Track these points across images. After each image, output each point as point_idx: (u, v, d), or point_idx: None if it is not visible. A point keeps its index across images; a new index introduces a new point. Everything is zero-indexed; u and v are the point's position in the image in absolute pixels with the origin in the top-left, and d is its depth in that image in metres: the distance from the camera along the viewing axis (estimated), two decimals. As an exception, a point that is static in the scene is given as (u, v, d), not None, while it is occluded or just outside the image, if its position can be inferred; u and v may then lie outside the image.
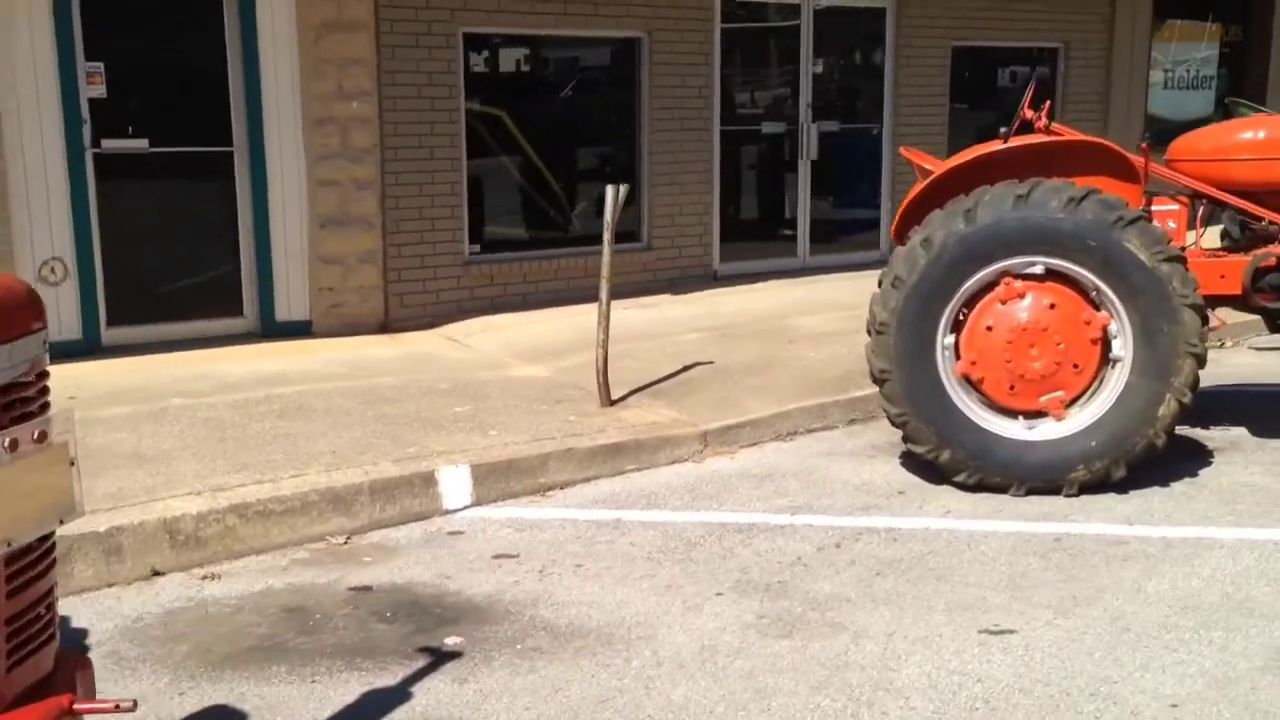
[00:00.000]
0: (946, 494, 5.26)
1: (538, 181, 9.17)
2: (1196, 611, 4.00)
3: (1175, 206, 5.70)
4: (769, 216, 10.56)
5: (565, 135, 9.31)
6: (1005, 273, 5.18)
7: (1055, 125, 5.72)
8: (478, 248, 8.60)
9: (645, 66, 9.17)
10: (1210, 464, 5.61)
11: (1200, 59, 13.70)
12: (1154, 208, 5.70)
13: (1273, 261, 5.36)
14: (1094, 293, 5.12)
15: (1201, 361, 5.03)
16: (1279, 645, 3.72)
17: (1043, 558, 4.51)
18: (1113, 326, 5.11)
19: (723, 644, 3.83)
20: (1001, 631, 3.88)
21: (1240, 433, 6.11)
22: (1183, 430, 6.15)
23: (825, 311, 8.71)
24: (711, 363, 7.28)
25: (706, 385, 6.78)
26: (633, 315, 8.81)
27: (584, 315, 8.81)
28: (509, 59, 9.25)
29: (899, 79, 10.62)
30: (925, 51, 10.75)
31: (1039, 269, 5.14)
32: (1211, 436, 6.06)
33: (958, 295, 5.19)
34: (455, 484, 5.14)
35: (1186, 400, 5.03)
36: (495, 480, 5.28)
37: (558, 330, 8.12)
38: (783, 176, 10.33)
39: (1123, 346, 5.10)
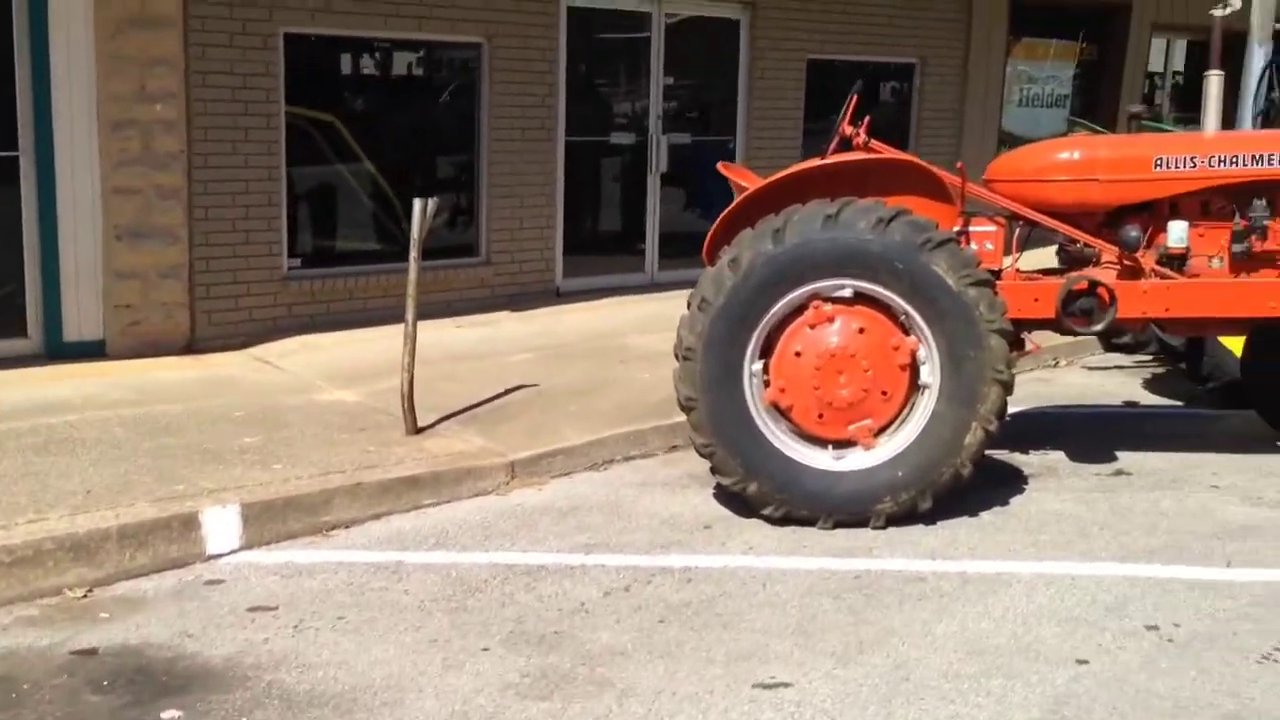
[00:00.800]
0: (754, 528, 5.02)
1: (370, 192, 8.74)
2: (982, 656, 3.80)
3: (993, 228, 5.56)
4: (617, 230, 10.27)
5: (401, 144, 8.90)
6: (815, 295, 4.97)
7: (874, 143, 5.54)
8: (298, 262, 8.13)
9: (485, 74, 8.81)
10: (1023, 491, 5.47)
11: (1056, 77, 13.86)
12: (972, 229, 5.57)
13: (1084, 285, 5.24)
14: (903, 317, 4.93)
15: (1008, 388, 4.87)
16: (1058, 694, 3.54)
17: (837, 598, 4.28)
18: (921, 352, 4.93)
19: (475, 709, 3.49)
20: (776, 685, 3.62)
21: (1058, 457, 6.00)
22: (1001, 455, 6.05)
23: (666, 329, 8.29)
24: (536, 385, 6.95)
25: (525, 410, 6.45)
26: (464, 334, 8.45)
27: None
28: (342, 62, 8.82)
29: (752, 91, 10.44)
30: (780, 64, 10.59)
31: (848, 292, 4.95)
32: (1029, 461, 5.93)
33: (766, 319, 4.96)
34: (221, 526, 4.71)
35: (993, 428, 4.86)
36: (270, 520, 4.87)
37: (382, 350, 7.68)
38: (631, 189, 10.05)
39: (930, 373, 4.92)
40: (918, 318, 4.87)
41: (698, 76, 10.51)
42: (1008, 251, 5.68)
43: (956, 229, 5.53)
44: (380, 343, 7.91)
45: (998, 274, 5.56)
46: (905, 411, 5.01)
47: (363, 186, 8.73)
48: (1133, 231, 5.28)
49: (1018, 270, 5.67)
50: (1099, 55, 14.26)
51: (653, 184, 10.01)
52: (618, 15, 9.76)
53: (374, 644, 3.92)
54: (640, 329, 8.41)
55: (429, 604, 4.25)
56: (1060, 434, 6.48)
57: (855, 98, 5.56)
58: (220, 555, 4.66)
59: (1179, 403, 7.23)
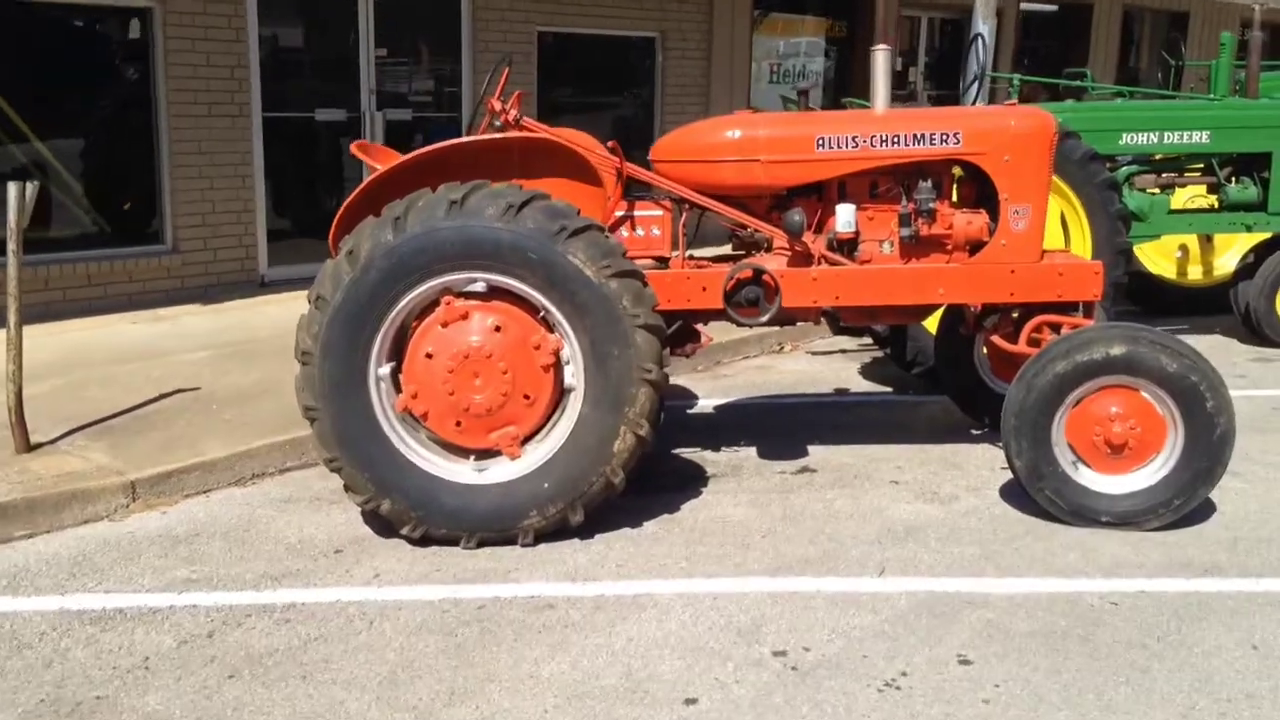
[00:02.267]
0: (391, 551, 4.49)
1: (24, 174, 7.79)
2: (583, 702, 3.38)
3: (659, 212, 5.17)
4: (330, 214, 9.52)
5: (62, 120, 7.97)
6: (447, 290, 4.46)
7: (526, 120, 5.06)
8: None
9: (159, 41, 7.97)
10: (699, 495, 5.12)
11: (807, 54, 13.80)
12: (636, 213, 5.17)
13: (749, 273, 4.90)
14: (544, 313, 4.48)
15: (658, 388, 4.46)
16: (651, 748, 3.16)
17: (448, 635, 3.79)
18: (566, 351, 4.50)
19: (-58, 812, 2.87)
20: (332, 756, 3.12)
21: (748, 454, 5.70)
22: (690, 453, 5.71)
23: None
24: (198, 389, 6.25)
25: (173, 419, 5.75)
26: (138, 331, 7.63)
27: (79, 332, 7.59)
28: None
29: (478, 65, 9.88)
30: (506, 36, 10.06)
31: (482, 286, 4.46)
32: (717, 460, 5.61)
33: (391, 317, 4.41)
34: None
35: (644, 433, 4.46)
36: None
37: (30, 351, 6.81)
38: (346, 169, 9.37)
39: (575, 374, 4.49)
40: (557, 313, 4.42)
41: (417, 48, 9.88)
42: (688, 238, 5.33)
43: (620, 213, 5.15)
44: (28, 342, 7.02)
45: (666, 261, 5.20)
46: (554, 417, 4.57)
47: (11, 168, 7.76)
48: (795, 216, 4.96)
49: (690, 258, 5.31)
50: (849, 32, 14.28)
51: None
52: (320, -20, 9.05)
53: None
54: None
55: (-48, 671, 3.57)
56: (759, 427, 6.20)
57: (506, 70, 5.07)
58: None
59: (889, 389, 7.08)
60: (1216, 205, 7.84)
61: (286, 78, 8.92)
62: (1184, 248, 8.96)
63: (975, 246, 5.08)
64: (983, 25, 10.15)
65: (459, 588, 4.16)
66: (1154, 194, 7.70)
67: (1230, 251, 8.69)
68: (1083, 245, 6.80)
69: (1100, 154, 7.55)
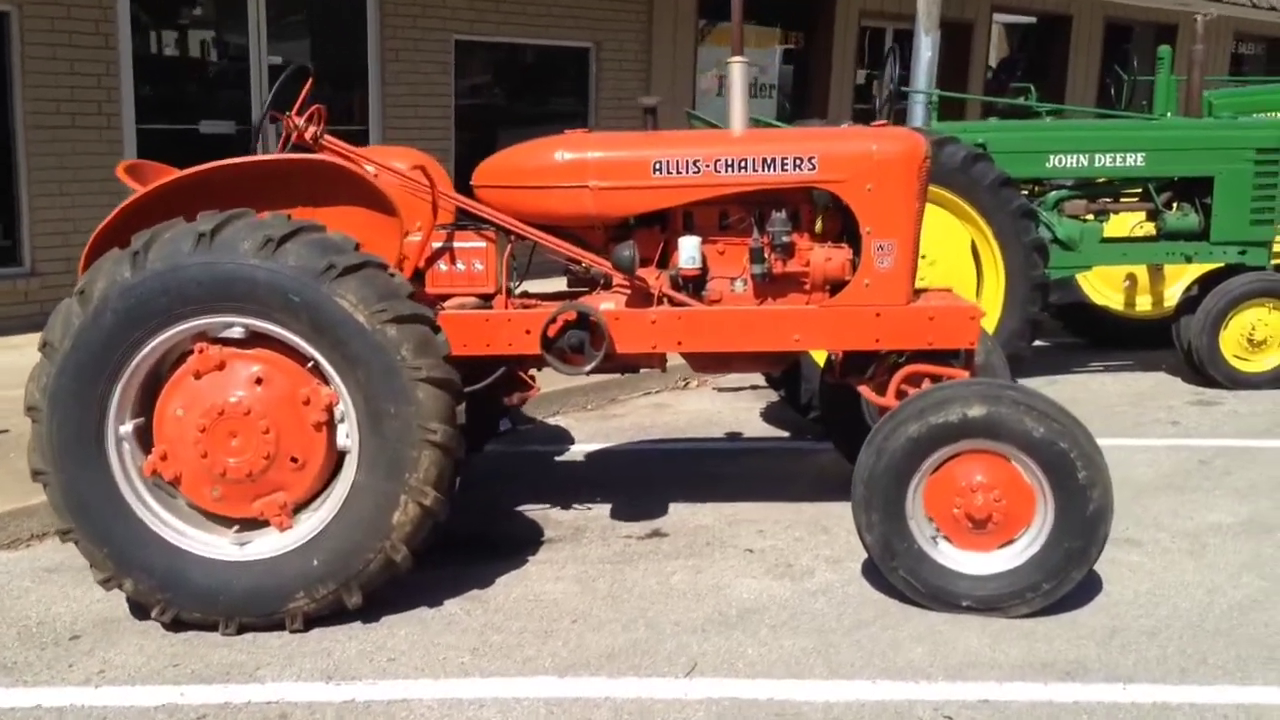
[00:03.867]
0: (137, 637, 3.88)
1: None
2: None
3: (482, 244, 4.58)
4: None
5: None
6: (202, 335, 3.87)
7: (328, 139, 4.47)
8: None
9: (15, 47, 7.42)
10: (524, 564, 4.51)
11: (758, 66, 13.19)
12: (457, 245, 4.58)
13: (574, 315, 4.30)
14: (312, 363, 3.89)
15: (447, 450, 3.86)
16: None
17: (143, 756, 3.21)
18: (341, 407, 3.90)
19: None
20: None
21: (600, 513, 5.08)
22: (536, 510, 5.12)
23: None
24: (6, 431, 5.67)
25: (-41, 467, 5.17)
26: (-23, 362, 7.05)
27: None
28: None
29: (386, 74, 9.31)
30: (419, 45, 9.50)
31: (241, 331, 3.87)
32: (561, 521, 5.00)
33: (133, 366, 3.80)
34: None
35: (429, 502, 3.85)
36: None
37: None
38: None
39: (349, 433, 3.90)
40: (327, 364, 3.82)
41: (315, 55, 9.31)
42: (519, 273, 4.75)
43: (438, 245, 4.56)
44: None
45: (490, 299, 4.61)
46: (331, 483, 3.98)
47: None
48: (625, 251, 4.35)
49: (524, 295, 4.72)
50: (806, 44, 13.70)
51: (261, 179, 8.75)
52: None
53: None
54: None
55: None
56: (626, 479, 5.60)
57: (309, 81, 4.49)
58: None
59: (786, 434, 6.47)
60: (1155, 233, 7.22)
61: (165, 87, 8.36)
62: (1131, 277, 8.34)
63: (837, 286, 4.48)
64: (924, 37, 9.55)
65: (188, 689, 3.55)
66: (1087, 221, 7.08)
67: (1181, 281, 8.06)
68: (996, 278, 6.20)
69: (1017, 178, 6.99)
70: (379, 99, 9.26)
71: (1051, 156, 6.86)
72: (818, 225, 4.58)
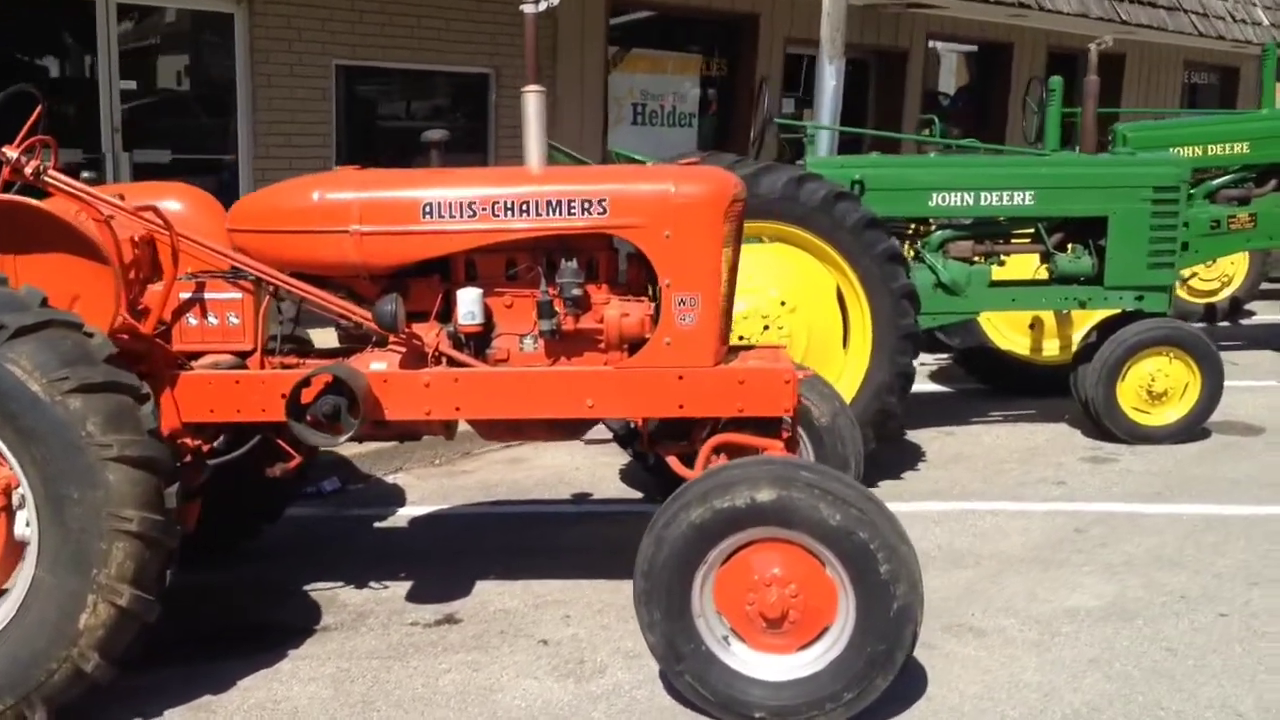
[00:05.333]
0: None
1: None
2: None
3: (238, 295, 4.04)
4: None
5: None
6: None
7: (54, 174, 3.91)
8: None
9: None
10: (284, 658, 3.95)
11: (678, 93, 12.75)
12: (209, 296, 4.05)
13: (328, 378, 3.77)
14: (-10, 440, 3.35)
15: (149, 541, 3.30)
16: None
17: None
18: (20, 491, 3.35)
19: None
20: None
21: (396, 592, 4.52)
22: (328, 588, 4.61)
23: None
24: None
25: None
26: None
27: None
28: None
29: (257, 101, 8.78)
30: (294, 70, 8.96)
31: (-95, 403, 3.32)
32: (350, 601, 4.45)
33: None
34: None
35: (125, 602, 3.27)
36: None
37: None
38: (85, 218, 8.23)
39: (29, 521, 3.35)
40: None
41: (177, 79, 8.78)
42: (283, 327, 4.21)
43: (187, 296, 4.02)
44: None
45: (246, 357, 4.08)
46: (11, 579, 3.42)
47: None
48: (387, 305, 3.81)
49: (290, 351, 4.18)
50: (730, 71, 13.26)
51: (115, 212, 8.20)
52: None
53: None
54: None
55: None
56: (444, 550, 5.07)
57: (39, 109, 3.95)
58: None
59: (640, 495, 5.93)
60: (1048, 277, 6.74)
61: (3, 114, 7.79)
62: (1037, 320, 7.86)
63: (637, 345, 3.96)
64: (829, 65, 9.12)
65: None
66: (975, 263, 6.59)
67: (1089, 326, 7.59)
68: (863, 327, 5.70)
69: (898, 218, 6.54)
70: (249, 126, 8.72)
71: (934, 194, 6.37)
72: (621, 275, 4.09)
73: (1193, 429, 6.67)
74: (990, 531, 5.26)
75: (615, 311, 3.93)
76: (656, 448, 4.24)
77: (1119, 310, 6.68)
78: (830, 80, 9.01)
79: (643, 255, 3.91)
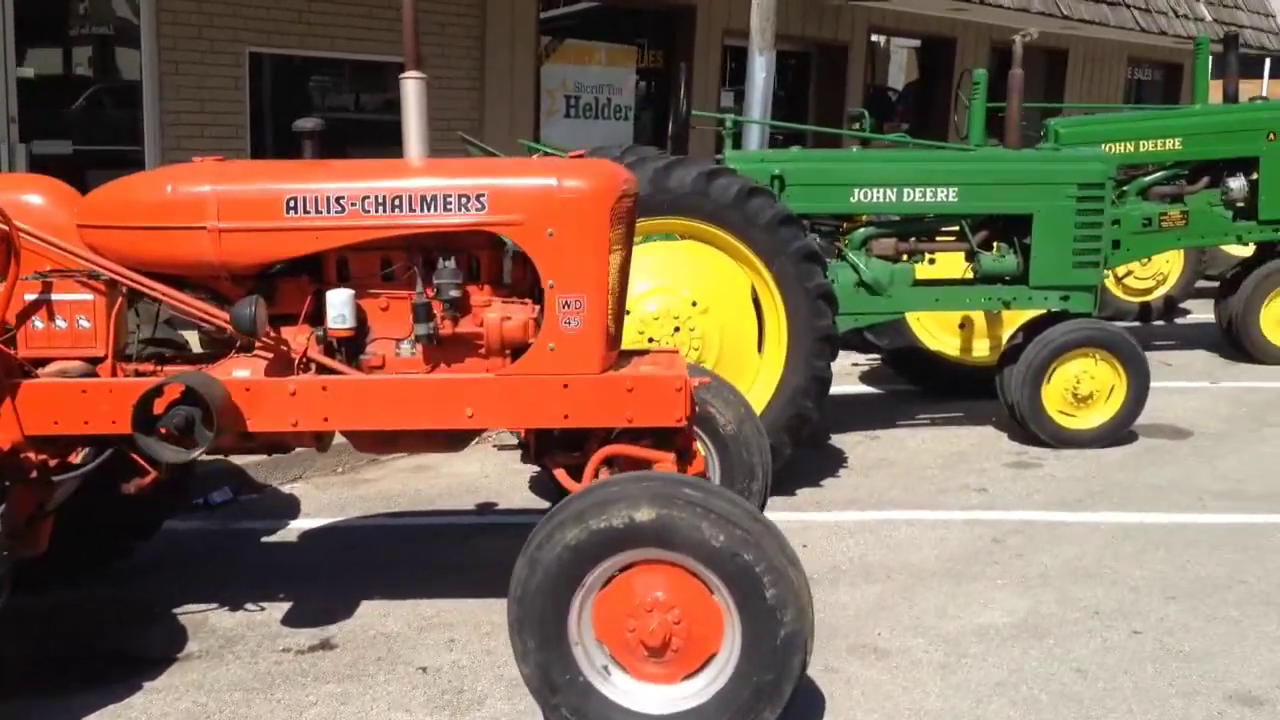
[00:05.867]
0: None
1: None
2: None
3: (89, 296, 3.75)
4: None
5: None
6: None
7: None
8: None
9: None
10: (126, 697, 3.64)
11: (612, 85, 12.49)
12: (55, 296, 3.74)
13: (179, 389, 3.49)
14: None
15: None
16: None
17: None
18: None
19: None
20: None
21: (273, 614, 4.22)
22: (193, 612, 4.27)
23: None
24: None
25: None
26: None
27: None
28: None
29: (164, 90, 8.42)
30: (205, 57, 8.61)
31: None
32: (221, 625, 4.15)
33: None
34: None
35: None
36: None
37: None
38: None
39: None
40: None
41: (79, 66, 8.40)
42: (142, 330, 3.92)
43: (33, 297, 3.70)
44: None
45: (98, 364, 3.78)
46: None
47: None
48: (245, 308, 3.51)
49: (151, 357, 3.90)
50: (665, 63, 13.03)
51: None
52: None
53: None
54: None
55: None
56: (332, 566, 4.79)
57: None
58: None
59: (548, 505, 5.69)
60: (972, 276, 6.56)
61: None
62: (968, 320, 7.70)
63: (520, 351, 3.72)
64: (759, 58, 8.90)
65: None
66: (899, 262, 6.40)
67: (1017, 327, 7.42)
68: (778, 329, 5.48)
69: (820, 214, 6.34)
70: (155, 116, 8.34)
71: (856, 190, 6.17)
72: (507, 276, 3.84)
73: (1119, 432, 6.54)
74: (905, 543, 5.06)
75: (496, 315, 3.68)
76: (544, 459, 4.00)
77: (1045, 310, 6.53)
78: (760, 73, 8.79)
79: (526, 255, 3.67)
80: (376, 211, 3.59)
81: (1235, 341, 8.99)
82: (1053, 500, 5.66)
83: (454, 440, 3.97)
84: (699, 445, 4.54)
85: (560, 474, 3.89)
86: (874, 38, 16.10)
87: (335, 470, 6.15)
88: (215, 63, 8.63)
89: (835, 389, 8.12)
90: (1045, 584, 4.60)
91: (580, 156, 3.92)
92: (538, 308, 3.70)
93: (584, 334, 3.64)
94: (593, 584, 3.24)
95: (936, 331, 7.76)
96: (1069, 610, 4.35)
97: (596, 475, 3.72)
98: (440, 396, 3.63)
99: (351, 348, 3.72)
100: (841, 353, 9.07)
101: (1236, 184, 8.63)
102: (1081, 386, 6.45)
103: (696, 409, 4.02)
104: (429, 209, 3.59)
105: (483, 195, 3.60)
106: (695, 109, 12.89)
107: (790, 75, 15.37)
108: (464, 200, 3.60)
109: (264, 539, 5.18)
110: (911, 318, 7.52)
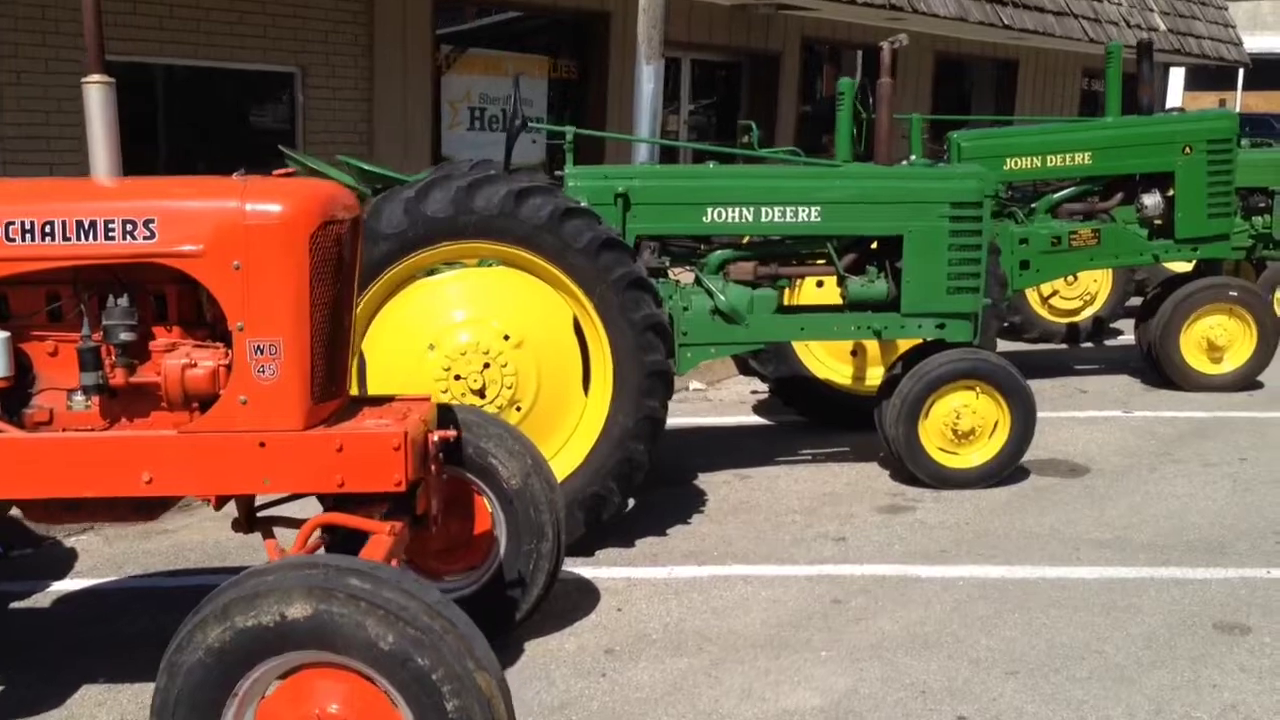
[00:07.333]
0: None
1: None
2: None
3: None
4: None
5: None
6: None
7: None
8: None
9: None
10: None
11: (521, 97, 11.92)
12: None
13: None
14: None
15: None
16: None
17: None
18: None
19: None
20: None
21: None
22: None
23: None
24: None
25: None
26: None
27: None
28: None
29: (6, 101, 7.85)
30: (50, 66, 8.05)
31: None
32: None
33: None
34: None
35: None
36: None
37: None
38: None
39: None
40: None
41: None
42: None
43: None
44: None
45: None
46: None
47: None
48: None
49: None
50: (580, 74, 12.50)
51: None
52: None
53: None
54: None
55: None
56: (46, 643, 4.16)
57: None
58: None
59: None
60: (842, 302, 6.02)
61: None
62: (860, 346, 7.17)
63: (210, 403, 3.16)
64: (645, 67, 8.37)
65: None
66: (759, 287, 5.84)
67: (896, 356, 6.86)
68: (603, 364, 4.92)
69: (671, 235, 5.82)
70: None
71: (709, 209, 5.62)
72: (207, 315, 3.28)
73: (1004, 470, 5.99)
74: (734, 605, 4.51)
75: (177, 362, 3.13)
76: (255, 527, 3.43)
77: (921, 340, 6.00)
78: (647, 83, 8.26)
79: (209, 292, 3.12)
80: (24, 240, 3.03)
81: (1155, 366, 8.49)
82: (913, 552, 5.11)
83: (142, 508, 3.39)
84: (485, 503, 4.02)
85: (270, 545, 3.32)
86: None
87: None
88: (62, 72, 8.06)
89: (721, 420, 7.69)
90: (875, 656, 4.05)
91: (289, 174, 3.37)
92: (230, 353, 3.16)
93: (281, 384, 3.09)
94: (251, 692, 2.68)
95: (826, 359, 7.23)
96: (892, 690, 3.80)
97: (305, 546, 3.18)
98: (111, 458, 3.07)
99: (11, 400, 3.17)
100: (738, 380, 8.64)
101: (1151, 200, 8.15)
102: (962, 422, 5.91)
103: (441, 468, 3.48)
104: (88, 237, 3.03)
105: (151, 221, 3.04)
106: (610, 126, 12.41)
107: (720, 85, 14.88)
108: (129, 227, 3.04)
109: (13, 605, 4.59)
110: (799, 344, 7.00)
